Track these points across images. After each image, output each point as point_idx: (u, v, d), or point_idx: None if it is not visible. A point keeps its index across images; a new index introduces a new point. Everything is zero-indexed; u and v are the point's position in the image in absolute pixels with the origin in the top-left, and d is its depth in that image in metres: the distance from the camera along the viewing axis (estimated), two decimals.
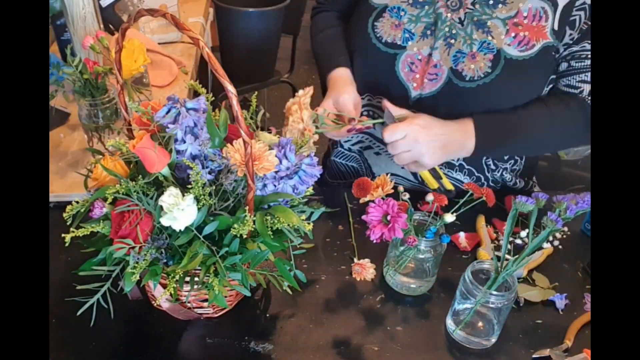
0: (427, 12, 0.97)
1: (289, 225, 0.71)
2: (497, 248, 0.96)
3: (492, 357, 0.80)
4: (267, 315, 0.84)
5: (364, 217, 0.78)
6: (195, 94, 0.79)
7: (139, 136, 0.67)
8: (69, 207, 0.72)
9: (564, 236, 1.02)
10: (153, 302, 0.83)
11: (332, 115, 0.95)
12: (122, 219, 0.68)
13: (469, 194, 0.82)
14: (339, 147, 1.19)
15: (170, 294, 0.69)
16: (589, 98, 0.97)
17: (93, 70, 0.98)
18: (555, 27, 0.92)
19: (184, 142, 0.70)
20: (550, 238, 1.00)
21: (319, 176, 0.73)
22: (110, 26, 1.45)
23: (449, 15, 0.95)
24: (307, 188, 0.74)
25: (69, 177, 1.05)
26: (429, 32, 0.97)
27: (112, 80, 1.06)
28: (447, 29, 0.95)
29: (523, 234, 0.98)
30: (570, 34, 0.93)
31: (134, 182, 0.69)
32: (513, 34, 0.92)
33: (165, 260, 0.69)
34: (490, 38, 0.93)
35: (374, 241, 0.76)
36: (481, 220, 1.01)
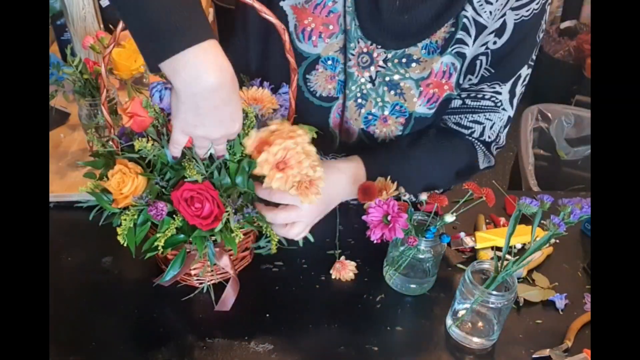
0: (357, 60, 0.87)
1: None
2: (498, 248, 0.96)
3: (492, 357, 0.80)
4: (267, 315, 0.84)
5: (364, 217, 0.77)
6: None
7: (129, 104, 0.69)
8: (120, 229, 0.72)
9: (565, 233, 1.01)
10: (187, 281, 0.85)
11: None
12: (193, 204, 0.70)
13: (469, 194, 0.82)
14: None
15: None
16: (479, 140, 0.95)
17: (93, 70, 0.98)
18: (461, 80, 0.90)
19: None
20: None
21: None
22: (110, 26, 1.45)
23: (359, 74, 0.88)
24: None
25: (69, 177, 1.05)
26: (342, 90, 0.90)
27: (112, 80, 1.06)
28: (357, 89, 0.89)
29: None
30: (470, 79, 0.90)
31: (190, 163, 0.71)
32: (424, 95, 0.89)
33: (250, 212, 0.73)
34: (402, 101, 0.89)
35: (375, 241, 0.76)
36: (481, 220, 1.01)
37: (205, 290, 0.84)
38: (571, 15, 3.06)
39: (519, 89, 0.91)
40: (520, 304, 0.87)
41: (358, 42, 0.85)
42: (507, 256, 0.78)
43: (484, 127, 0.93)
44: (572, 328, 0.83)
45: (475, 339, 0.80)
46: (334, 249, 0.95)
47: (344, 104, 0.91)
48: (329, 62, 0.88)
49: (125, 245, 0.72)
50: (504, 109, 0.92)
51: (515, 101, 0.91)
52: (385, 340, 0.81)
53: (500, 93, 0.89)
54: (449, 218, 0.80)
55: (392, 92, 0.88)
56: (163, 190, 0.73)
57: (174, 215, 0.71)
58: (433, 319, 0.84)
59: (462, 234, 0.97)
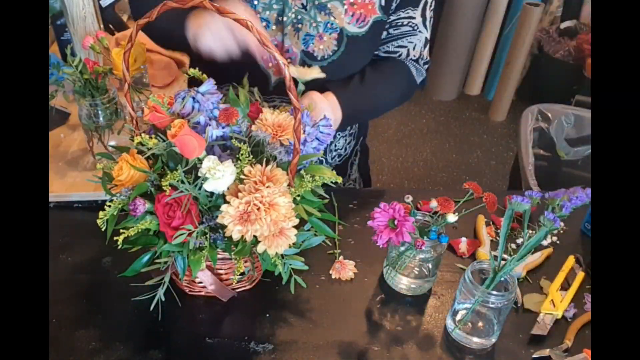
0: None
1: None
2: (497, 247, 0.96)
3: (492, 357, 0.80)
4: (267, 315, 0.84)
5: (370, 223, 0.77)
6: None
7: (177, 125, 0.68)
8: (102, 213, 0.71)
9: (561, 231, 1.02)
10: (190, 290, 0.85)
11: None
12: (169, 211, 0.70)
13: (469, 194, 0.82)
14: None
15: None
16: (408, 59, 1.10)
17: (93, 70, 0.98)
18: (382, 3, 1.02)
19: (209, 125, 0.74)
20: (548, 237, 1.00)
21: (332, 133, 0.81)
22: (110, 26, 1.45)
23: (293, 2, 0.99)
24: (324, 146, 0.81)
25: (69, 177, 1.05)
26: (280, 18, 1.00)
27: (112, 80, 1.06)
28: (293, 16, 0.99)
29: (520, 241, 0.98)
30: (392, 5, 1.03)
31: (174, 172, 0.70)
32: (351, 13, 1.00)
33: (219, 239, 0.72)
34: (332, 19, 1.00)
35: (381, 246, 0.76)
36: (481, 220, 1.01)
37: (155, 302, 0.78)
38: (571, 15, 3.06)
39: (428, 13, 1.08)
40: (518, 305, 0.87)
41: None
42: (505, 256, 0.78)
43: (408, 49, 1.09)
44: (572, 328, 0.83)
45: (475, 339, 0.80)
46: (334, 249, 0.95)
47: (281, 43, 1.00)
48: (248, 1, 0.97)
49: (106, 233, 0.72)
50: (420, 31, 1.08)
51: (427, 24, 1.08)
52: (385, 340, 0.81)
53: (414, 17, 1.06)
54: (452, 218, 0.80)
55: (322, 13, 1.00)
56: (152, 190, 0.73)
57: (152, 216, 0.71)
58: (433, 319, 0.85)
59: (464, 240, 0.96)
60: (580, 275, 0.92)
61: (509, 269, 0.76)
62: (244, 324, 0.82)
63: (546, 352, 0.79)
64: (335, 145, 1.17)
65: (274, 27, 1.00)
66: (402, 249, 0.83)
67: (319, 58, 1.01)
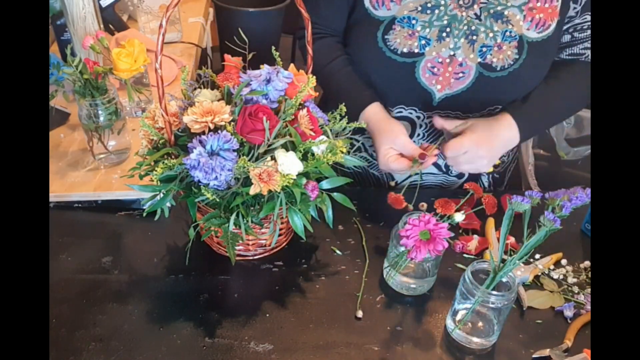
0: (439, 15, 0.98)
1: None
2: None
3: (492, 357, 0.80)
4: (267, 315, 0.84)
5: (403, 242, 0.78)
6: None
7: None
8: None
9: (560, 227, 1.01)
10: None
11: (397, 156, 0.99)
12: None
13: (469, 194, 0.82)
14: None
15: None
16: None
17: (93, 70, 0.98)
18: (566, 10, 0.98)
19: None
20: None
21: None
22: (110, 26, 1.45)
23: (463, 14, 0.97)
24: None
25: (69, 177, 1.05)
26: (444, 34, 0.98)
27: (112, 80, 1.06)
28: (465, 28, 0.98)
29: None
30: (575, 7, 0.98)
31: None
32: (530, 19, 0.97)
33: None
34: (510, 27, 0.97)
35: (417, 260, 0.78)
36: (490, 223, 1.00)
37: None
38: None
39: None
40: (524, 308, 0.87)
41: None
42: (504, 255, 0.78)
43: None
44: (572, 328, 0.83)
45: (475, 339, 0.80)
46: (334, 248, 0.95)
47: (453, 56, 0.99)
48: (405, 21, 0.99)
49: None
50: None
51: None
52: (385, 340, 0.81)
53: None
54: (459, 217, 0.79)
55: (499, 22, 0.97)
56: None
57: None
58: (433, 319, 0.85)
59: (475, 238, 0.96)
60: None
61: (509, 269, 0.76)
62: (244, 324, 0.82)
63: (546, 352, 0.79)
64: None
65: (434, 45, 0.98)
66: (402, 249, 0.83)
67: (498, 69, 0.98)
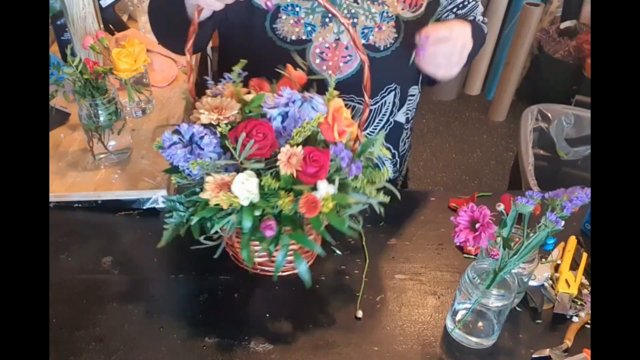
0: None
1: None
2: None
3: (492, 357, 0.80)
4: (267, 315, 0.84)
5: (452, 218, 0.75)
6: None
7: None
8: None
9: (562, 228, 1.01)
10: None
11: None
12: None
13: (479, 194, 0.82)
14: None
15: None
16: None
17: (93, 70, 0.98)
18: None
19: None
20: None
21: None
22: (110, 26, 1.45)
23: None
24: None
25: (69, 177, 1.05)
26: (327, 19, 1.00)
27: (112, 80, 1.06)
28: (345, 12, 1.00)
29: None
30: None
31: None
32: (402, 0, 1.00)
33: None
34: (386, 7, 1.00)
35: (458, 243, 0.75)
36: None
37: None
38: (571, 15, 3.06)
39: None
40: (539, 310, 0.86)
41: None
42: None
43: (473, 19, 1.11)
44: (572, 328, 0.83)
45: (475, 339, 0.80)
46: (334, 248, 0.95)
47: (338, 40, 1.00)
48: (289, 9, 0.99)
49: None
50: (478, 3, 1.10)
51: None
52: (385, 340, 0.81)
53: None
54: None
55: (376, 3, 1.00)
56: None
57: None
58: (433, 319, 0.85)
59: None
60: (585, 255, 0.95)
61: (509, 269, 0.76)
62: (244, 324, 0.82)
63: (546, 352, 0.79)
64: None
65: (320, 30, 1.00)
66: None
67: (381, 49, 1.01)
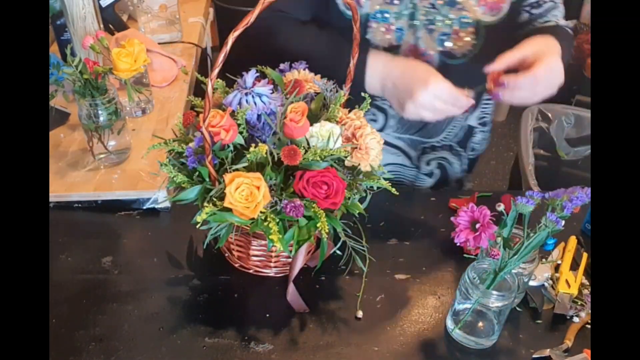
0: (406, 5, 0.98)
1: None
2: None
3: (492, 357, 0.80)
4: (267, 315, 0.84)
5: (452, 218, 0.76)
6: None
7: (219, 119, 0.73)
8: (274, 236, 0.73)
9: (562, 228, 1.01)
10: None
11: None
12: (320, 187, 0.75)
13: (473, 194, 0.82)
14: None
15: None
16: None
17: (93, 70, 0.98)
18: None
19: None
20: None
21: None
22: (110, 26, 1.45)
23: (420, 3, 0.98)
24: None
25: (69, 177, 1.05)
26: (412, 22, 0.99)
27: (112, 80, 1.06)
28: (424, 18, 0.99)
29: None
30: None
31: None
32: (483, 3, 0.98)
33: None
34: (465, 13, 0.98)
35: (458, 244, 0.75)
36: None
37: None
38: (571, 15, 3.06)
39: None
40: (540, 310, 0.86)
41: None
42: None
43: (555, 22, 1.04)
44: (572, 328, 0.83)
45: (475, 339, 0.80)
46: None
47: (415, 45, 1.00)
48: (379, 16, 0.98)
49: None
50: (560, 4, 1.04)
51: None
52: (385, 340, 0.81)
53: None
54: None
55: (454, 8, 0.98)
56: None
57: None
58: (433, 319, 0.85)
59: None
60: (585, 255, 0.95)
61: (509, 269, 0.76)
62: (244, 324, 0.82)
63: (546, 352, 0.79)
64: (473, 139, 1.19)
65: (407, 33, 0.99)
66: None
67: (458, 56, 1.00)
